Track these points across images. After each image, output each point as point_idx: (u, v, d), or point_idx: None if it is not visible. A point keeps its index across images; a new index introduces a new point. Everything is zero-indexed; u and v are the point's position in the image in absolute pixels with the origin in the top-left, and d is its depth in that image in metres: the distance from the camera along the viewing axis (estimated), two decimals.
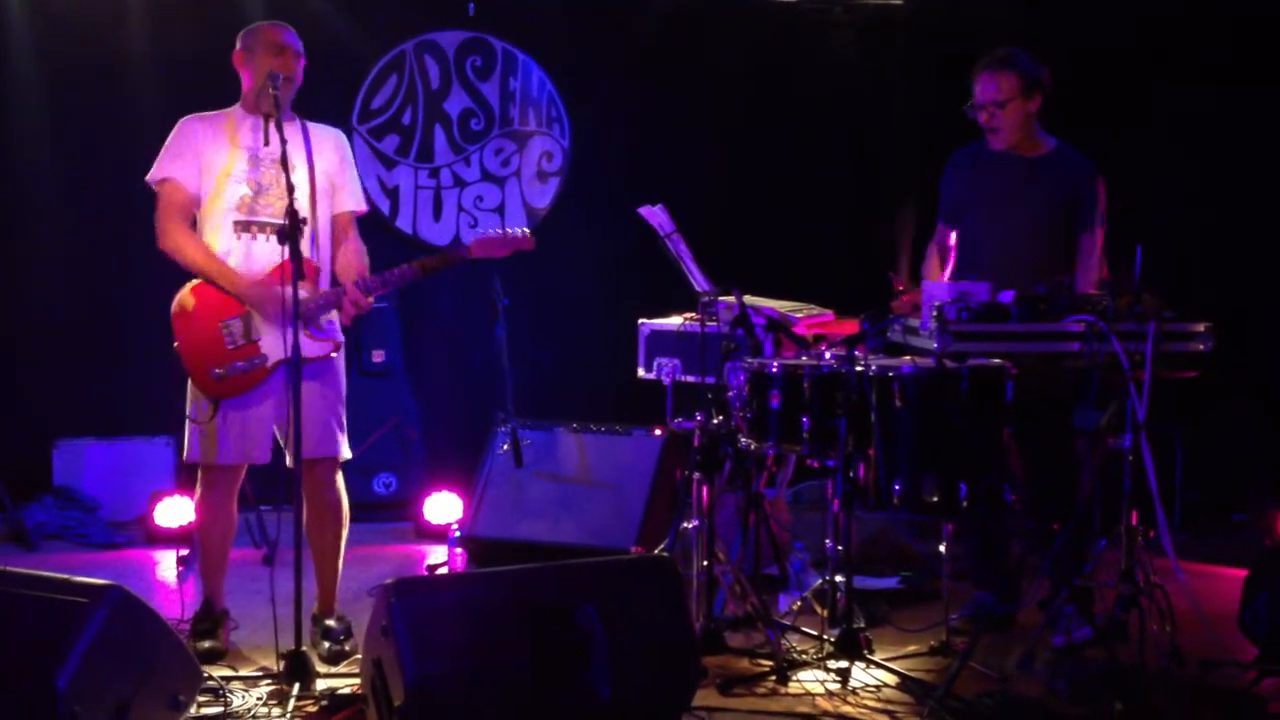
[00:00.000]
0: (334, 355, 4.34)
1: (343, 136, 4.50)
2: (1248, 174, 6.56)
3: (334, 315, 4.36)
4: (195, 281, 4.25)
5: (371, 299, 4.31)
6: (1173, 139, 6.56)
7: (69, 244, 6.61)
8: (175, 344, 4.23)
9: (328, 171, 4.34)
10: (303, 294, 4.02)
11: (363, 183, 4.67)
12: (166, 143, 4.32)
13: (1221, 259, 6.50)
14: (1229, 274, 6.44)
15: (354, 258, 4.43)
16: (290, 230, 3.84)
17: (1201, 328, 4.04)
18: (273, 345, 4.20)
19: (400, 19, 7.02)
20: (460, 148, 7.13)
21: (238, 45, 4.33)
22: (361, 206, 4.52)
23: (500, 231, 4.43)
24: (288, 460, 4.24)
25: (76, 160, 6.55)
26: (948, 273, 4.77)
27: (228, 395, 4.22)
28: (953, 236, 4.82)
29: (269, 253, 4.24)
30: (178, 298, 4.23)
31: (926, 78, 6.99)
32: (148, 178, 4.31)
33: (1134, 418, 3.95)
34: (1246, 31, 6.51)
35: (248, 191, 4.25)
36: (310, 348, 4.16)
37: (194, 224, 4.32)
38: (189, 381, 4.28)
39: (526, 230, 4.48)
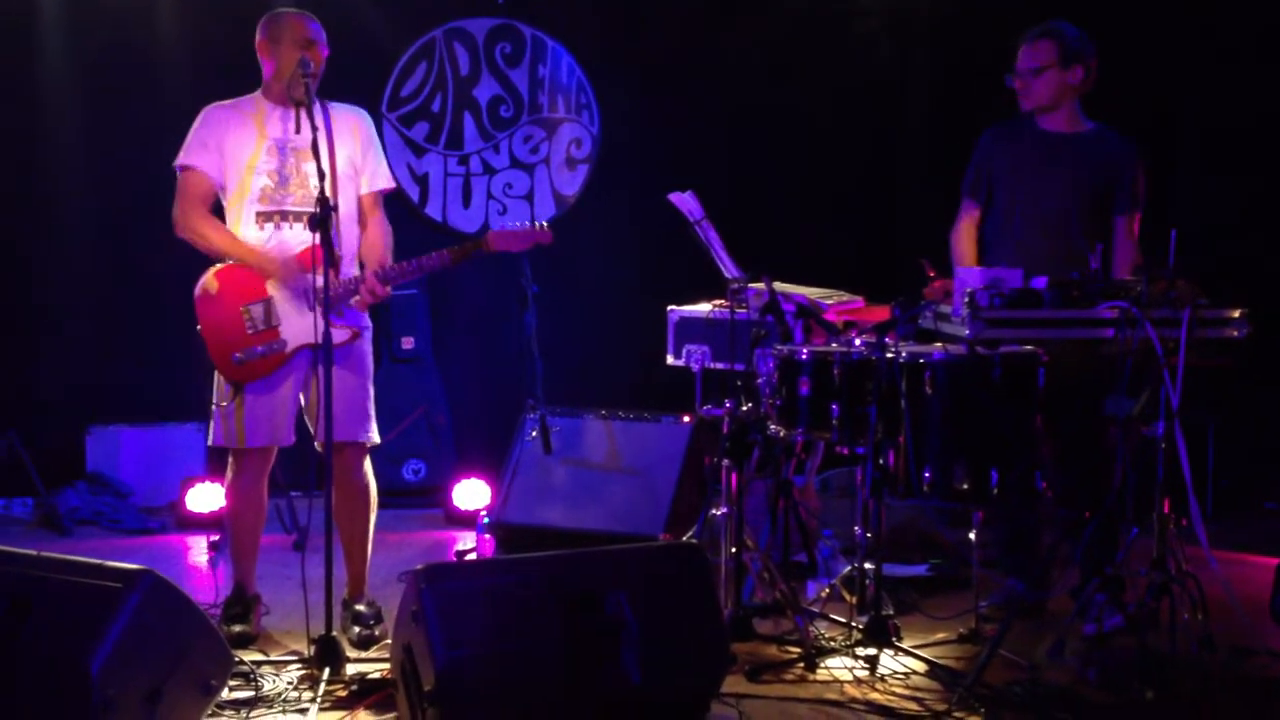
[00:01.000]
0: (356, 341, 4.34)
1: (365, 115, 4.48)
2: None
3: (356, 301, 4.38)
4: (219, 265, 4.27)
5: (389, 288, 4.30)
6: (1206, 125, 6.51)
7: (100, 231, 6.65)
8: (198, 326, 4.26)
9: (350, 156, 4.35)
10: (315, 281, 4.05)
11: (393, 170, 4.67)
12: (192, 130, 4.34)
13: (1256, 245, 6.44)
14: (1263, 260, 6.37)
15: (378, 240, 4.42)
16: (322, 218, 3.85)
17: (1236, 314, 4.00)
18: (292, 331, 4.22)
19: (430, 6, 7.03)
20: (489, 135, 7.13)
21: (259, 34, 4.34)
22: (388, 184, 4.50)
23: (519, 225, 4.42)
24: (316, 445, 4.26)
25: (108, 147, 6.58)
26: (967, 257, 4.74)
27: (248, 379, 4.25)
28: (975, 213, 4.79)
29: (299, 241, 4.26)
30: (202, 281, 4.26)
31: (952, 65, 6.95)
32: (175, 162, 4.34)
33: (1167, 405, 3.92)
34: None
35: (269, 183, 4.27)
36: (332, 333, 4.16)
37: (220, 215, 4.35)
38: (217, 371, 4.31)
39: (545, 224, 4.47)
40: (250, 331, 4.22)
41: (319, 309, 3.92)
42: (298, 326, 4.22)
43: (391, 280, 4.31)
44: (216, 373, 4.30)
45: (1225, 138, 6.52)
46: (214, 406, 4.31)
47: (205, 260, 4.33)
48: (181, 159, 4.33)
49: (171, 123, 4.54)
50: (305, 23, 4.31)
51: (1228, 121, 6.51)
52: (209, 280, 4.25)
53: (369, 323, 4.44)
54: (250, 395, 4.26)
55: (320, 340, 3.89)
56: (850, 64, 7.28)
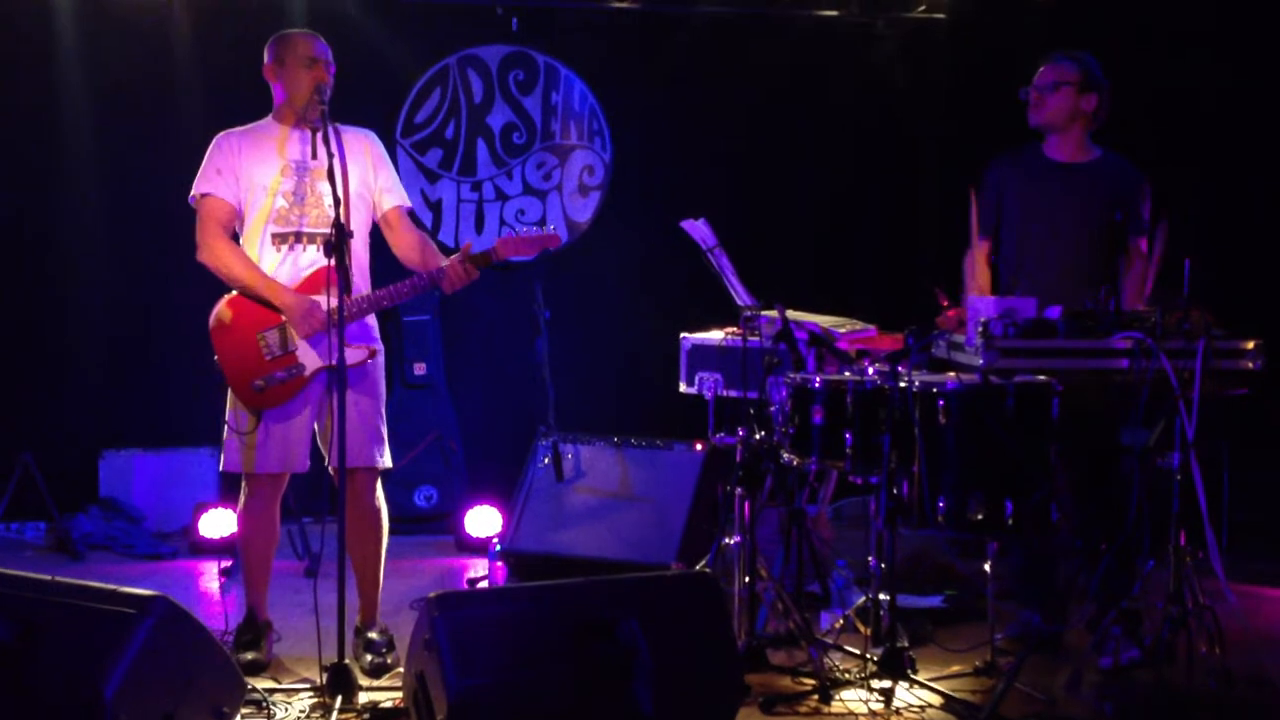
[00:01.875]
0: (370, 361, 4.34)
1: (373, 137, 4.49)
2: None
3: (371, 320, 4.38)
4: (231, 294, 4.28)
5: (475, 271, 4.28)
6: (1221, 151, 6.50)
7: (114, 256, 6.68)
8: (215, 357, 4.26)
9: (362, 177, 4.35)
10: (329, 303, 4.08)
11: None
12: (206, 159, 4.36)
13: (1270, 274, 6.43)
14: (1277, 289, 6.36)
15: (417, 243, 4.43)
16: (337, 243, 3.86)
17: (1251, 345, 3.99)
18: (309, 354, 4.23)
19: (445, 34, 7.06)
20: (502, 161, 7.15)
21: (267, 57, 4.36)
22: (405, 201, 4.50)
23: (526, 231, 4.42)
24: (329, 469, 4.26)
25: (122, 173, 6.62)
26: (981, 287, 4.75)
27: (269, 406, 4.25)
28: (986, 246, 4.80)
29: (309, 263, 4.29)
30: (215, 311, 4.27)
31: (968, 92, 6.96)
32: (190, 195, 4.36)
33: (1183, 436, 3.90)
34: None
35: (284, 204, 4.29)
36: (346, 354, 4.17)
37: (236, 239, 4.36)
38: (229, 392, 4.31)
39: (553, 227, 4.47)
40: (268, 358, 4.23)
41: (334, 331, 3.92)
42: (314, 350, 4.23)
43: (420, 290, 4.29)
44: (231, 399, 4.31)
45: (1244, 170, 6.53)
46: (230, 433, 4.31)
47: (218, 285, 4.34)
48: (199, 188, 4.34)
49: (187, 151, 4.56)
50: (311, 41, 4.33)
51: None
52: (222, 310, 4.26)
53: (381, 345, 4.45)
54: (266, 421, 4.26)
55: (333, 360, 3.89)
56: (865, 89, 7.29)
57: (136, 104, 6.62)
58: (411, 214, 4.59)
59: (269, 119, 4.40)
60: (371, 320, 4.42)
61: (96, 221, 6.67)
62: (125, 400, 6.67)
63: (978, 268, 4.81)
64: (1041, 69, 4.69)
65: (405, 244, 4.46)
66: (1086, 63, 4.63)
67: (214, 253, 4.29)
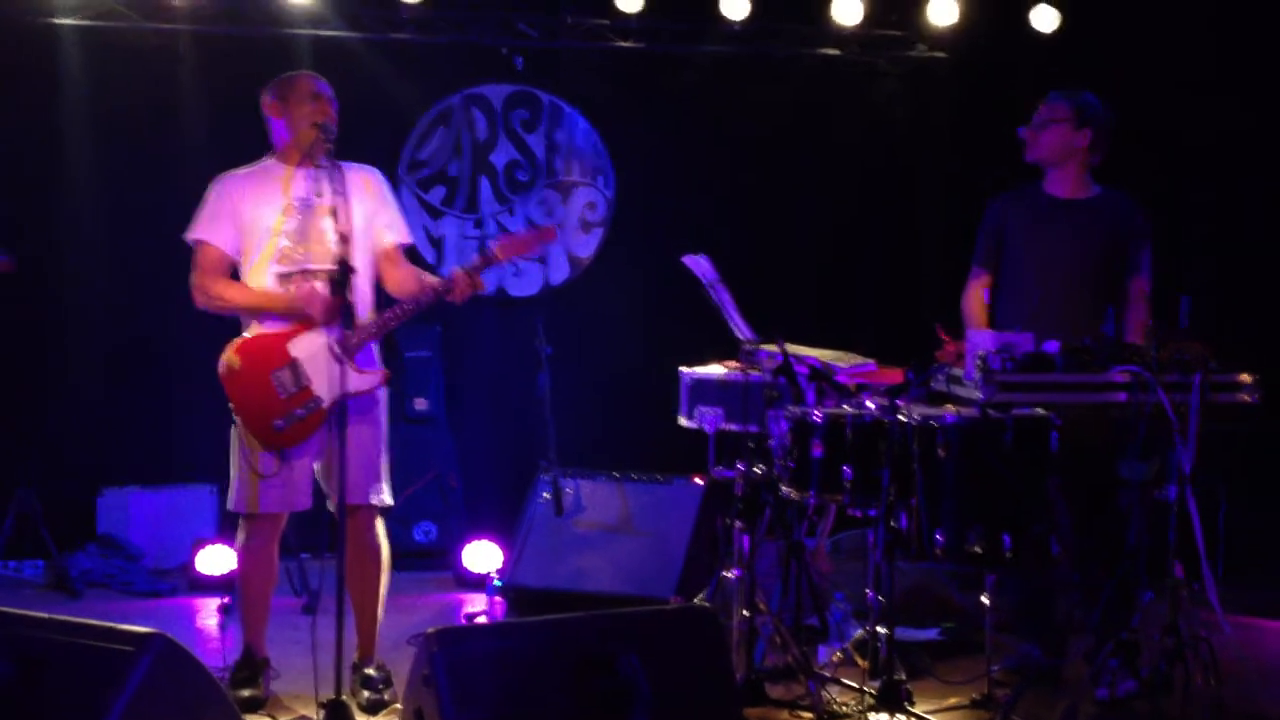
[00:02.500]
0: (379, 391, 4.35)
1: (376, 173, 4.50)
2: None
3: (375, 352, 4.39)
4: (236, 341, 4.28)
5: (480, 280, 4.30)
6: (1220, 187, 6.53)
7: (113, 292, 6.70)
8: (230, 405, 4.26)
9: (365, 213, 4.36)
10: (334, 334, 4.13)
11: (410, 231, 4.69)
12: (203, 202, 4.36)
13: (1266, 306, 6.44)
14: (1273, 322, 6.37)
15: (413, 276, 4.44)
16: (340, 279, 3.87)
17: (1248, 379, 4.01)
18: (323, 386, 4.22)
19: (449, 72, 7.11)
20: (505, 198, 7.19)
21: (269, 97, 4.37)
22: (404, 239, 4.50)
23: (522, 231, 4.42)
24: (329, 505, 4.27)
25: (123, 207, 6.64)
26: (980, 322, 4.77)
27: (292, 444, 4.24)
28: (985, 280, 4.82)
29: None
30: (223, 360, 4.26)
31: (969, 129, 7.00)
32: (185, 236, 4.37)
33: (1179, 469, 3.91)
34: None
35: (288, 243, 4.29)
36: (357, 381, 4.18)
37: (236, 277, 4.38)
38: (235, 433, 4.31)
39: (552, 227, 4.49)
40: (284, 396, 4.21)
41: (346, 358, 3.94)
42: (328, 381, 4.20)
43: (425, 303, 4.30)
44: (246, 440, 4.27)
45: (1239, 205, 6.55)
46: (251, 474, 4.25)
47: (219, 321, 4.36)
48: (194, 233, 4.34)
49: (190, 186, 4.57)
50: (313, 79, 4.37)
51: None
52: (230, 358, 4.25)
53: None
54: (267, 461, 4.25)
55: (348, 389, 3.91)
56: (867, 127, 7.34)
57: (140, 137, 6.66)
58: (411, 250, 4.61)
59: (272, 159, 4.40)
60: (375, 352, 4.43)
61: (96, 256, 6.69)
62: (123, 437, 6.67)
63: (971, 300, 4.85)
64: (1041, 106, 4.73)
65: (400, 278, 4.46)
66: (1081, 100, 4.67)
67: (208, 293, 4.31)
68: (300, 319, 4.24)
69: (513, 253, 4.39)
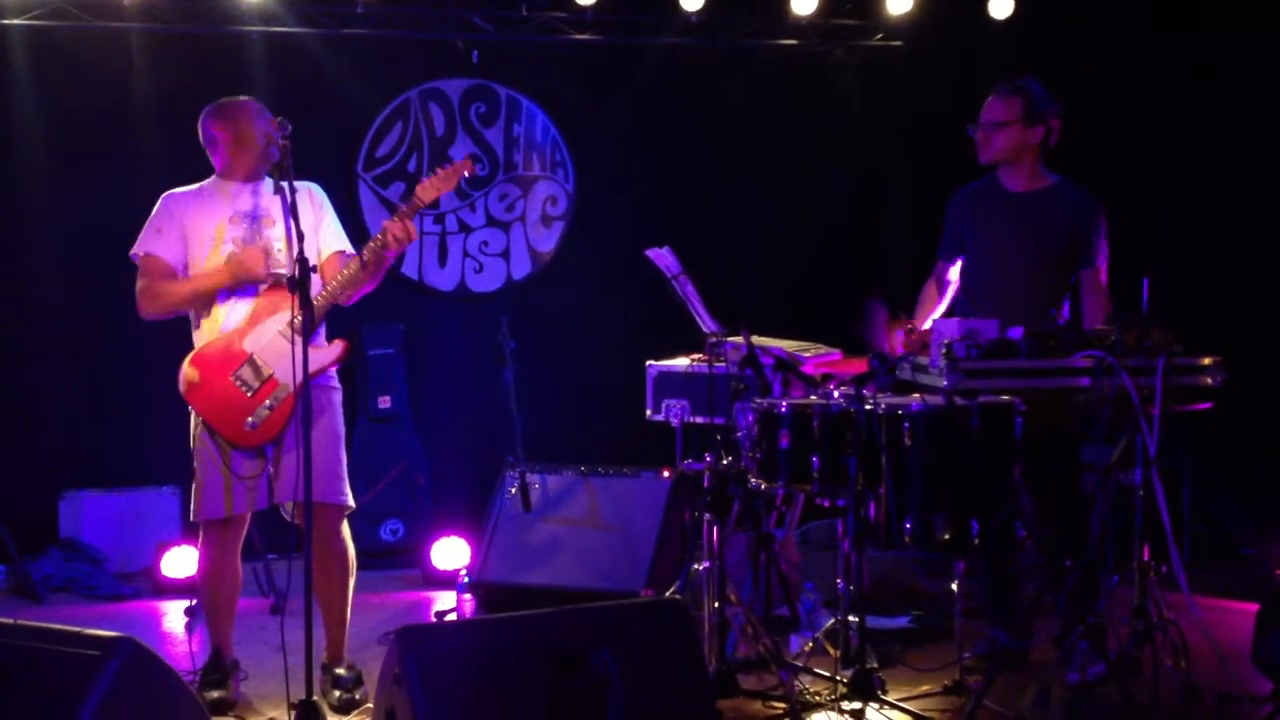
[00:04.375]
0: (334, 393, 4.33)
1: (316, 188, 4.50)
2: (1254, 204, 6.58)
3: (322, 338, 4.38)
4: (190, 355, 4.28)
5: (411, 226, 4.25)
6: (1175, 169, 6.59)
7: (71, 296, 6.63)
8: (198, 417, 4.26)
9: (311, 225, 4.34)
10: (282, 319, 4.16)
11: (369, 230, 4.66)
12: (150, 218, 4.38)
13: (1226, 290, 6.50)
14: (1233, 305, 6.44)
15: (343, 268, 4.38)
16: (301, 280, 3.84)
17: (1209, 361, 4.04)
18: (285, 371, 4.20)
19: (405, 67, 7.08)
20: (465, 194, 7.16)
21: (214, 120, 4.36)
22: (345, 247, 4.49)
23: (440, 170, 4.39)
24: (284, 513, 4.26)
25: (78, 211, 6.58)
26: (943, 306, 4.81)
27: (269, 438, 4.24)
28: (951, 271, 4.86)
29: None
30: (182, 377, 4.26)
31: (927, 117, 7.03)
32: (131, 252, 4.37)
33: (1144, 453, 3.94)
34: (1250, 57, 6.55)
35: (235, 250, 4.29)
36: (315, 359, 4.15)
37: None
38: (201, 440, 4.28)
39: (467, 158, 4.47)
40: (250, 395, 4.22)
41: (299, 337, 3.92)
42: (288, 364, 4.15)
43: (371, 267, 4.26)
44: (207, 447, 4.25)
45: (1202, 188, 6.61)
46: (210, 478, 4.25)
47: (177, 326, 4.34)
48: (139, 248, 4.37)
49: (144, 187, 4.56)
50: (254, 101, 4.39)
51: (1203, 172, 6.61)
52: (187, 371, 4.25)
53: (338, 384, 4.44)
54: (233, 464, 4.24)
55: (306, 411, 3.88)
56: (826, 116, 7.36)
57: (92, 138, 6.60)
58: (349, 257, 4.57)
59: (215, 178, 4.42)
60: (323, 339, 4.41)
61: (53, 260, 6.63)
62: (84, 441, 6.61)
63: (929, 289, 4.91)
64: (988, 102, 4.72)
65: (342, 277, 4.41)
66: (1030, 93, 4.66)
67: (149, 297, 4.32)
68: (243, 281, 4.25)
69: (435, 191, 4.36)
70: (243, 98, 4.43)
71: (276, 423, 4.23)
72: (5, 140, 6.54)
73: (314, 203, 4.45)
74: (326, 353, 4.31)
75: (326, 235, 4.47)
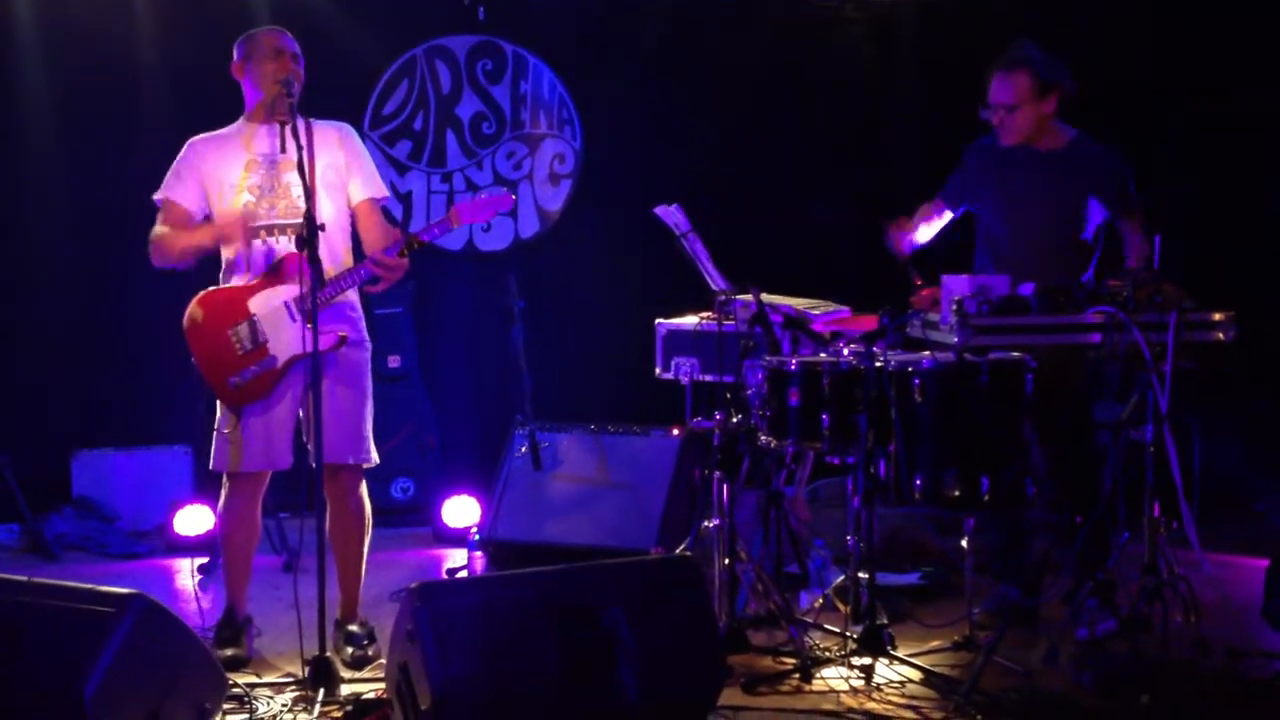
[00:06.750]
0: (345, 349, 4.28)
1: (348, 129, 4.45)
2: (1262, 164, 6.53)
3: (353, 310, 4.37)
4: (201, 294, 4.28)
5: (401, 260, 4.22)
6: (1185, 129, 6.54)
7: (85, 256, 6.64)
8: (192, 359, 4.25)
9: (333, 165, 4.32)
10: (294, 292, 4.13)
11: None
12: (174, 164, 4.37)
13: (1237, 247, 6.48)
14: (1244, 262, 6.40)
15: (383, 237, 4.40)
16: (309, 237, 3.84)
17: (1221, 317, 4.02)
18: (280, 345, 4.21)
19: (411, 24, 7.03)
20: (472, 152, 7.14)
21: (235, 56, 4.35)
22: (379, 193, 4.46)
23: (480, 196, 4.39)
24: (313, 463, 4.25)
25: (89, 171, 6.57)
26: (920, 230, 4.87)
27: (248, 402, 4.24)
28: (945, 214, 4.82)
29: (285, 251, 4.26)
30: (188, 312, 4.25)
31: (935, 72, 6.99)
32: (154, 197, 4.38)
33: (1156, 409, 3.93)
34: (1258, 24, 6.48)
35: (251, 198, 4.28)
36: (307, 339, 4.12)
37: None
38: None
39: (505, 189, 4.47)
40: (240, 353, 4.21)
41: (304, 318, 3.91)
42: (285, 339, 4.20)
43: (384, 263, 4.22)
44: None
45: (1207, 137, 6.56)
46: (216, 432, 4.29)
47: (189, 280, 4.34)
48: (160, 192, 4.37)
49: (154, 148, 4.57)
50: (276, 35, 4.33)
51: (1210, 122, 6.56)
52: (194, 309, 4.25)
53: (367, 338, 4.43)
54: (247, 419, 4.24)
55: (306, 349, 3.87)
56: (836, 72, 7.31)
57: (101, 102, 6.58)
58: (386, 209, 4.56)
59: (240, 120, 4.39)
60: (354, 310, 4.39)
61: (65, 220, 6.62)
62: (97, 399, 6.62)
63: (917, 214, 4.91)
64: (994, 83, 4.62)
65: (371, 239, 4.43)
66: (1036, 65, 4.57)
67: (155, 245, 4.32)
68: (222, 245, 4.26)
69: (470, 219, 4.36)
70: (264, 31, 4.36)
71: (257, 390, 4.22)
72: (11, 103, 6.51)
73: (343, 145, 4.39)
74: (322, 339, 4.12)
75: (356, 181, 4.42)
